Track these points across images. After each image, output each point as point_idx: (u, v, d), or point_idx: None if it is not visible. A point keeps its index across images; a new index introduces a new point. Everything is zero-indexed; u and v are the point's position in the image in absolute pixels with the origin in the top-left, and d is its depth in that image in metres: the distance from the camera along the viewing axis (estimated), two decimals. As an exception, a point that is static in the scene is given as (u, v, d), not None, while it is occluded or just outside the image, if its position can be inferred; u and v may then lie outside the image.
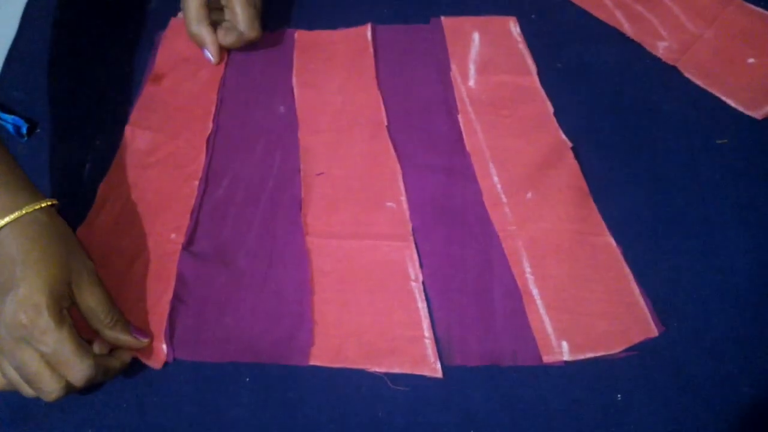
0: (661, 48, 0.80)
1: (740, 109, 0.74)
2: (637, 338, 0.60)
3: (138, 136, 0.79)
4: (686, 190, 0.69)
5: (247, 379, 0.62)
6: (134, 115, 0.82)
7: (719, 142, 0.72)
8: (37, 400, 0.56)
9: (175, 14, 0.91)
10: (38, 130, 0.82)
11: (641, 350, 0.60)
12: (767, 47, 0.77)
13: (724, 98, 0.75)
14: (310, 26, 0.89)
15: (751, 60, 0.77)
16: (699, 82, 0.77)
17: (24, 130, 0.81)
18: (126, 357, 0.61)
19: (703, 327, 0.61)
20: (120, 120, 0.81)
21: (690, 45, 0.79)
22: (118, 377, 0.61)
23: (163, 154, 0.78)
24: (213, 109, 0.81)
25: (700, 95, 0.76)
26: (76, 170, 0.78)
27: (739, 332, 0.60)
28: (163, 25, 0.91)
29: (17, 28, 0.93)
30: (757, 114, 0.73)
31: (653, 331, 0.60)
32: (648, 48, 0.81)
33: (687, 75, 0.78)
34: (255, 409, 0.60)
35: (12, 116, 0.82)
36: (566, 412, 0.58)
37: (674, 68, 0.79)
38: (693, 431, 0.56)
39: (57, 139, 0.81)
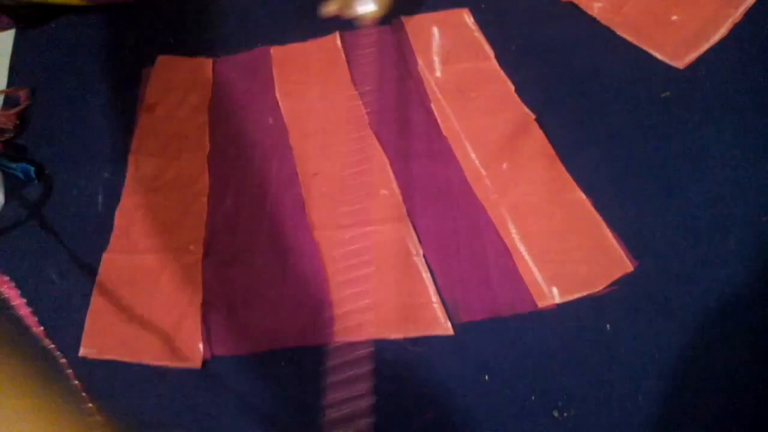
0: (596, 8, 0.89)
1: (665, 60, 0.83)
2: (616, 275, 0.69)
3: (142, 163, 0.86)
4: (639, 141, 0.78)
5: (283, 364, 0.69)
6: (135, 144, 0.88)
7: (664, 95, 0.80)
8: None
9: (153, 50, 0.98)
10: (47, 172, 0.88)
11: (621, 284, 0.68)
12: (687, 6, 0.87)
13: (651, 51, 0.84)
14: (282, 41, 0.96)
15: (674, 17, 0.86)
16: (631, 39, 0.85)
17: (33, 174, 0.87)
18: None
19: (670, 256, 0.69)
20: (122, 150, 0.88)
21: (622, 5, 0.89)
22: (165, 380, 0.69)
23: (169, 176, 0.85)
24: (207, 130, 0.89)
25: (639, 57, 0.85)
26: (90, 203, 0.84)
27: (701, 256, 0.69)
28: (143, 60, 0.98)
29: (7, 77, 0.99)
30: (679, 64, 0.82)
31: (629, 267, 0.69)
32: (584, 8, 0.89)
33: (620, 33, 0.86)
34: (294, 388, 0.67)
35: (19, 164, 0.87)
36: (564, 347, 0.66)
37: (612, 35, 0.87)
38: (675, 347, 0.65)
39: (66, 177, 0.88)
